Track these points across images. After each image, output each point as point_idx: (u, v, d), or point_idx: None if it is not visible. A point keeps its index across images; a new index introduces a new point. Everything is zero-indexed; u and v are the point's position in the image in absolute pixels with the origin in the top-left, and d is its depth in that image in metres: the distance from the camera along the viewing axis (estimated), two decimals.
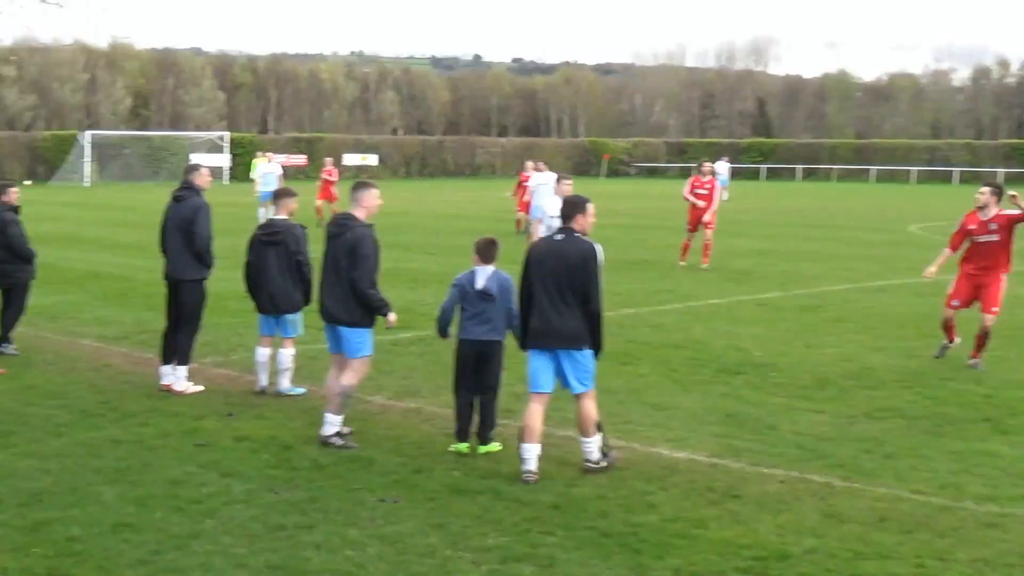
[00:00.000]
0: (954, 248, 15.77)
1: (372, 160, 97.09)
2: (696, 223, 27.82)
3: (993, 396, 13.57)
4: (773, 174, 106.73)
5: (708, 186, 28.09)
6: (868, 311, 20.46)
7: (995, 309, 15.18)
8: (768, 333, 17.92)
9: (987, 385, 14.13)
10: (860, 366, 15.27)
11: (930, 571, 7.95)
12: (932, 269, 15.88)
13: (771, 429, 11.85)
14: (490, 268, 10.96)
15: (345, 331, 11.02)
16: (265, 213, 31.79)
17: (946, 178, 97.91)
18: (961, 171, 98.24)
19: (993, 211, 15.31)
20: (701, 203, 27.69)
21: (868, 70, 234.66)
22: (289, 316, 13.12)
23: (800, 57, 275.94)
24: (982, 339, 15.17)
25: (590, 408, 10.09)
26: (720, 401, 13.16)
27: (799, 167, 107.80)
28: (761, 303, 21.44)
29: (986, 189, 15.53)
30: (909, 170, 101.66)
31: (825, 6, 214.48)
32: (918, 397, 13.47)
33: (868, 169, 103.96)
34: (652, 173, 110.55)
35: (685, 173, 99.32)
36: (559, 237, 10.12)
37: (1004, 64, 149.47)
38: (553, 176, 26.90)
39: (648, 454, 10.87)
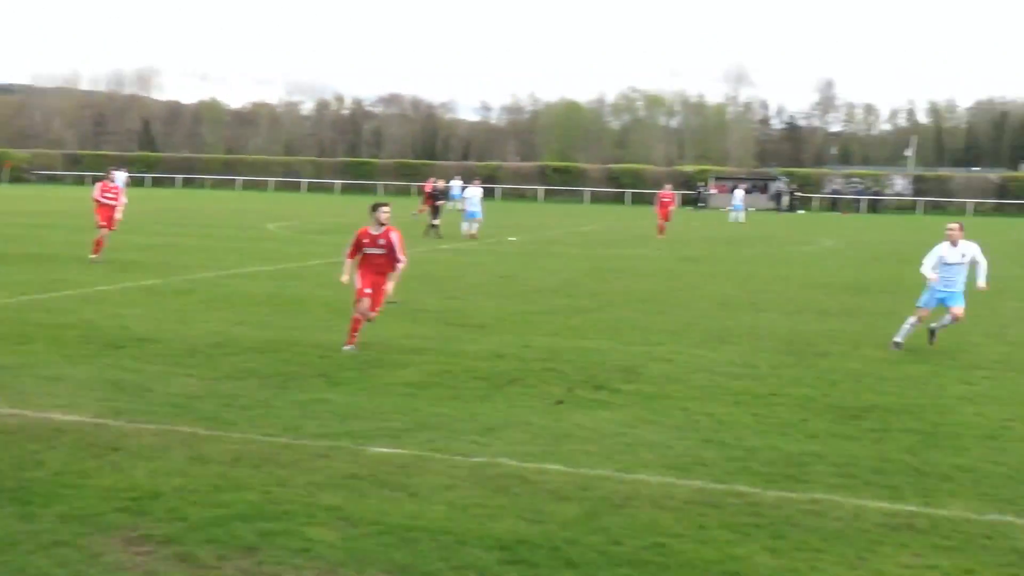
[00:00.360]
0: (351, 256, 14.97)
1: None
2: (106, 220, 26.90)
3: (328, 356, 14.01)
4: (157, 182, 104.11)
5: (115, 191, 27.73)
6: (233, 293, 20.44)
7: (379, 309, 14.96)
8: (149, 313, 17.38)
9: (323, 348, 14.54)
10: (225, 337, 15.21)
11: (274, 496, 8.04)
12: (345, 277, 15.06)
13: (148, 391, 11.51)
14: None
15: None
16: None
17: (296, 187, 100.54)
18: (309, 182, 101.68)
19: (383, 229, 14.86)
20: (114, 202, 27.18)
21: (235, 99, 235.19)
22: None
23: (180, 86, 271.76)
24: (359, 325, 14.79)
25: None
26: (106, 371, 12.58)
27: (179, 177, 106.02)
28: (144, 289, 20.76)
29: (386, 209, 14.98)
30: (268, 180, 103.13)
31: (200, 44, 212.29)
32: (270, 360, 13.62)
33: (235, 179, 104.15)
34: (52, 180, 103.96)
35: (80, 180, 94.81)
36: None
37: (340, 99, 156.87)
38: None
39: (39, 419, 10.17)
